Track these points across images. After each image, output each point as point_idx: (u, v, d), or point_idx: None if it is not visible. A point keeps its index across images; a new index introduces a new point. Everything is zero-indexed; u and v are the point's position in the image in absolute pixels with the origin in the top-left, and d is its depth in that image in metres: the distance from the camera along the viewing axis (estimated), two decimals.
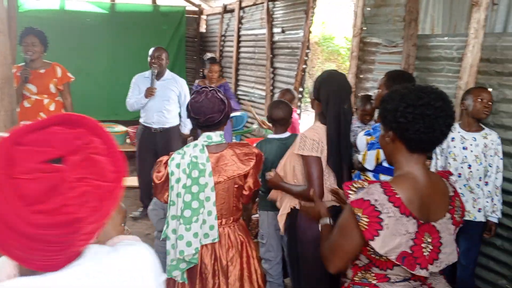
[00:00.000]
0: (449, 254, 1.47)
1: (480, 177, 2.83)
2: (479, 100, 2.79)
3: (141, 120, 4.46)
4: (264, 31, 6.08)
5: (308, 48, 5.24)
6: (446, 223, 1.47)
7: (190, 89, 4.66)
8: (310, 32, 5.19)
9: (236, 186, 2.22)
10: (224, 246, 2.21)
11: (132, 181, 5.48)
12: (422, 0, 3.86)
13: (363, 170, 2.75)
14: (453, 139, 2.90)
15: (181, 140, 4.59)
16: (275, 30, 5.92)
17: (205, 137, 2.16)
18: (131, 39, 7.65)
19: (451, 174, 1.65)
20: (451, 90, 3.30)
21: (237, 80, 7.08)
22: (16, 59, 4.32)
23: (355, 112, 3.55)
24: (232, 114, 5.35)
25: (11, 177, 0.78)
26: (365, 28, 4.30)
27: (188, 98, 4.45)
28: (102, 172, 0.86)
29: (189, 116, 2.18)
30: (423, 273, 1.41)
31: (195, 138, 5.10)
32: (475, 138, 2.83)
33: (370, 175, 2.72)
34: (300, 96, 5.34)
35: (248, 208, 3.12)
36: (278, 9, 5.90)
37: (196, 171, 2.07)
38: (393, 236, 1.35)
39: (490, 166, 2.81)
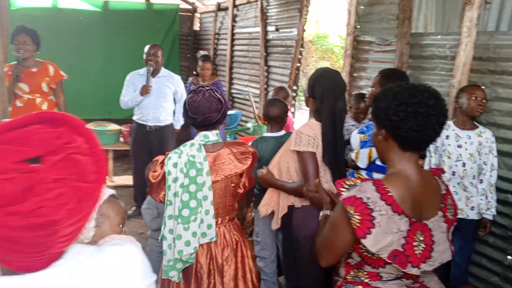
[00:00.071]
0: (442, 252, 1.47)
1: (474, 175, 2.84)
2: (473, 98, 2.80)
3: (135, 118, 4.43)
4: (258, 29, 6.07)
5: (302, 46, 5.24)
6: (438, 221, 1.47)
7: (184, 87, 4.65)
8: (304, 30, 5.19)
9: (232, 185, 2.22)
10: (220, 246, 2.21)
11: (125, 179, 5.47)
12: None
13: (357, 168, 2.76)
14: (447, 137, 2.91)
15: (176, 138, 4.58)
16: (269, 28, 5.92)
17: (201, 136, 2.16)
18: (124, 37, 7.61)
19: (443, 172, 1.65)
20: (444, 88, 3.32)
21: (231, 78, 7.07)
22: (8, 57, 4.27)
23: (349, 110, 3.56)
24: None
25: None
26: (359, 27, 4.30)
27: (184, 95, 4.45)
28: (82, 172, 0.84)
29: (186, 116, 2.17)
30: (414, 271, 1.41)
31: (188, 135, 5.11)
32: (469, 136, 2.84)
33: (363, 173, 2.73)
34: (294, 94, 5.34)
35: (242, 207, 3.11)
36: (272, 7, 5.89)
37: (193, 170, 2.07)
38: (385, 234, 1.35)
39: (485, 164, 2.82)
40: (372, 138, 1.58)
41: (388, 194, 1.37)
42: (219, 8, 7.46)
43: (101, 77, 7.69)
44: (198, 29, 8.68)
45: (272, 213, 2.61)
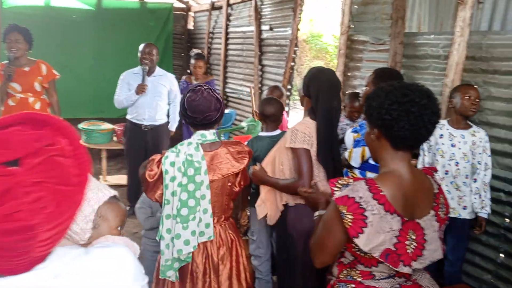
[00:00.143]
0: (433, 251, 1.48)
1: (467, 175, 2.86)
2: (467, 97, 2.81)
3: (129, 117, 4.40)
4: (252, 28, 6.07)
5: (296, 45, 5.24)
6: (431, 220, 1.48)
7: (178, 86, 4.64)
8: (298, 29, 5.19)
9: (229, 184, 2.23)
10: (216, 245, 2.22)
11: (119, 179, 5.45)
12: None
13: (350, 167, 2.77)
14: (441, 136, 2.92)
15: (170, 137, 4.57)
16: (263, 27, 5.91)
17: (199, 136, 2.16)
18: (117, 36, 7.58)
19: (436, 170, 1.66)
20: (438, 88, 3.33)
21: (225, 77, 7.06)
22: (0, 56, 4.25)
23: (343, 109, 3.57)
24: None
25: None
26: (353, 26, 4.31)
27: (178, 95, 4.44)
28: (64, 175, 0.83)
29: (184, 115, 2.16)
30: (406, 270, 1.41)
31: (181, 135, 5.09)
32: (463, 135, 2.86)
33: (357, 172, 2.74)
34: (288, 93, 5.35)
35: (237, 207, 3.11)
36: (266, 6, 5.89)
37: (191, 169, 2.07)
38: (377, 234, 1.35)
39: (479, 163, 2.84)
40: (365, 137, 1.58)
41: (381, 193, 1.37)
42: (213, 7, 7.45)
43: (95, 76, 7.65)
44: (192, 28, 8.66)
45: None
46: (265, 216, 2.65)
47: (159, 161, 2.09)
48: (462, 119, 2.88)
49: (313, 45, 13.76)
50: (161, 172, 2.07)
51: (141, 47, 4.26)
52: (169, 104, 4.52)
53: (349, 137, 2.85)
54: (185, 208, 2.07)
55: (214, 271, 2.21)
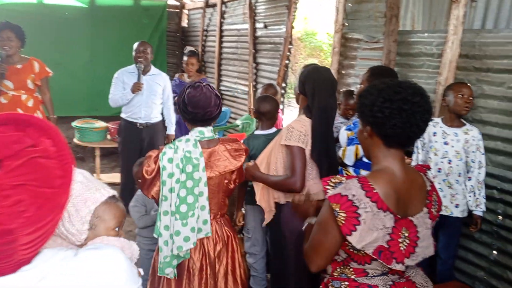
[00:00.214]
0: (425, 248, 1.48)
1: (460, 173, 2.86)
2: (460, 95, 2.81)
3: (124, 116, 4.37)
4: (247, 26, 6.06)
5: (290, 43, 5.24)
6: (423, 217, 1.48)
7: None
8: (292, 27, 5.19)
9: (226, 181, 2.24)
10: (212, 241, 2.23)
11: (112, 177, 5.43)
12: None
13: (345, 165, 2.78)
14: (434, 133, 2.93)
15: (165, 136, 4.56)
16: (258, 25, 5.91)
17: (197, 132, 2.16)
18: (111, 33, 7.54)
19: (429, 168, 1.67)
20: (431, 86, 3.35)
21: (219, 75, 7.04)
22: None
23: (338, 107, 3.57)
24: None
25: None
26: (347, 24, 4.32)
27: (170, 96, 4.43)
28: (46, 177, 0.81)
29: (184, 111, 2.15)
30: (399, 267, 1.42)
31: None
32: (456, 133, 2.87)
33: (351, 170, 2.75)
34: (283, 91, 5.35)
35: (231, 205, 3.11)
36: (260, 4, 5.88)
37: (190, 166, 2.07)
38: (370, 231, 1.36)
39: (472, 161, 2.84)
40: (358, 134, 1.59)
41: (373, 191, 1.38)
42: (207, 5, 7.43)
43: (88, 74, 7.62)
44: (186, 25, 8.63)
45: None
46: (261, 214, 2.66)
47: (157, 157, 2.09)
48: (456, 117, 2.88)
49: (308, 43, 13.77)
50: (159, 168, 2.06)
51: (135, 45, 4.23)
52: (161, 104, 4.51)
53: (343, 135, 2.85)
54: (184, 204, 2.07)
55: (211, 268, 2.21)
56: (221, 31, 6.93)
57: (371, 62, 3.86)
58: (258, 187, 2.57)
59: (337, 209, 1.37)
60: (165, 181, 2.06)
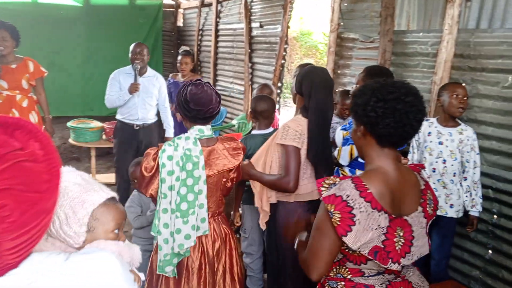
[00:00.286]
0: (420, 246, 1.49)
1: (455, 173, 2.86)
2: (454, 96, 2.81)
3: (119, 117, 4.33)
4: (242, 25, 6.05)
5: (286, 43, 5.24)
6: (418, 216, 1.49)
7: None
8: (288, 27, 5.19)
9: (224, 179, 2.25)
10: (211, 239, 2.23)
11: (108, 177, 5.41)
12: None
13: (341, 165, 2.78)
14: (429, 133, 2.94)
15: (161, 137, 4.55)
16: (253, 24, 5.90)
17: (196, 130, 2.17)
18: (106, 33, 7.52)
19: (423, 167, 1.67)
20: (427, 85, 3.36)
21: (215, 75, 7.03)
22: None
23: (334, 107, 3.57)
24: None
25: None
26: (342, 24, 4.32)
27: (166, 98, 4.42)
28: (32, 182, 0.80)
29: (186, 109, 2.15)
30: (395, 267, 1.42)
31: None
32: (451, 133, 2.87)
33: (347, 171, 2.75)
34: (278, 91, 5.35)
35: (228, 204, 3.11)
36: (256, 3, 5.87)
37: (190, 164, 2.07)
38: (365, 231, 1.36)
39: (467, 161, 2.84)
40: (351, 134, 1.59)
41: (367, 191, 1.38)
42: (203, 4, 7.42)
43: (83, 74, 7.59)
44: (181, 25, 8.61)
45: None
46: (258, 214, 2.66)
47: (156, 155, 2.08)
48: (450, 117, 2.88)
49: (303, 43, 13.77)
50: (158, 166, 2.06)
51: (131, 47, 4.21)
52: (157, 105, 4.49)
53: (339, 135, 2.85)
54: (184, 202, 2.08)
55: (210, 266, 2.22)
56: (216, 30, 6.92)
57: (366, 62, 3.86)
58: (256, 190, 2.58)
59: (332, 210, 1.37)
60: (164, 178, 2.06)
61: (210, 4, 7.14)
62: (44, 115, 4.25)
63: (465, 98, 2.82)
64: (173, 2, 8.46)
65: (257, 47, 5.88)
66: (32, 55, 4.17)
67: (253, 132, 3.06)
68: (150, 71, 4.35)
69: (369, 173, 1.46)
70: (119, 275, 1.00)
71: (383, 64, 3.60)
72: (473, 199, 2.85)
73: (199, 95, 2.12)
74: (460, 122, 2.91)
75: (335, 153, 2.75)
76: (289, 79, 10.62)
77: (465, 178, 2.87)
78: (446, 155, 2.86)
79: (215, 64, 7.02)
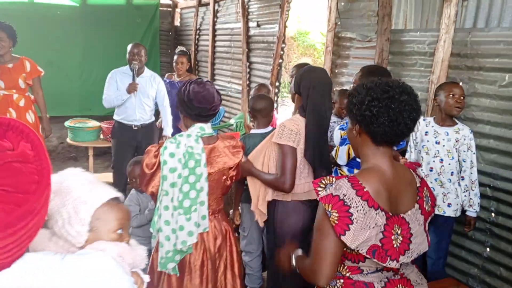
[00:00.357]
0: (419, 244, 1.50)
1: (452, 172, 2.86)
2: (451, 95, 2.80)
3: (118, 118, 4.32)
4: (240, 25, 6.05)
5: (284, 42, 5.24)
6: (415, 213, 1.50)
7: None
8: (285, 26, 5.19)
9: (224, 177, 2.27)
10: (212, 236, 2.25)
11: (106, 177, 5.40)
12: None
13: (339, 165, 2.78)
14: (426, 133, 2.94)
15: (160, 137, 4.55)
16: (251, 24, 5.90)
17: (198, 128, 2.17)
18: (103, 32, 7.50)
19: (419, 165, 1.68)
20: (424, 84, 3.37)
21: (213, 74, 7.03)
22: None
23: (332, 107, 3.57)
24: None
25: None
26: (339, 23, 4.33)
27: (166, 97, 4.41)
28: (20, 182, 0.80)
29: (189, 107, 2.16)
30: (393, 264, 1.43)
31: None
32: (447, 132, 2.87)
33: (345, 170, 2.75)
34: (276, 90, 5.35)
35: (227, 203, 3.12)
36: (253, 3, 5.88)
37: (192, 161, 2.09)
38: (363, 230, 1.36)
39: (464, 161, 2.84)
40: (347, 133, 1.61)
41: (364, 190, 1.38)
42: (200, 4, 7.41)
43: (80, 73, 7.58)
44: (179, 24, 8.60)
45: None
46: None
47: (157, 152, 2.09)
48: (447, 117, 2.87)
49: (301, 42, 13.78)
50: (159, 163, 2.07)
51: (129, 47, 4.20)
52: (156, 105, 4.49)
53: (337, 135, 2.86)
54: (187, 199, 2.10)
55: (212, 263, 2.24)
56: (214, 30, 6.92)
57: (364, 61, 3.87)
58: (251, 189, 2.58)
59: (329, 209, 1.37)
60: (166, 175, 2.07)
61: (207, 4, 7.14)
62: (41, 114, 4.24)
63: (462, 97, 2.82)
64: (170, 2, 8.45)
65: (255, 46, 5.88)
66: (29, 55, 4.16)
67: (252, 131, 3.06)
68: (147, 71, 4.35)
69: (365, 172, 1.48)
70: (114, 276, 0.99)
71: (381, 63, 3.61)
72: (470, 199, 2.85)
73: (202, 93, 2.14)
74: (457, 121, 2.92)
75: (333, 153, 2.75)
76: (286, 79, 10.62)
77: (463, 178, 2.87)
78: (443, 154, 2.86)
79: (213, 64, 7.02)
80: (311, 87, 2.39)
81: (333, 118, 3.55)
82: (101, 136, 5.41)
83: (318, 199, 1.44)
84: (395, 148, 2.77)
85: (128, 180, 3.04)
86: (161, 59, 8.27)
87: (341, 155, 2.70)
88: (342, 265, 1.52)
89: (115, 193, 1.22)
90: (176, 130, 4.68)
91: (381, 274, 1.49)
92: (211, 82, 2.25)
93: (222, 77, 6.81)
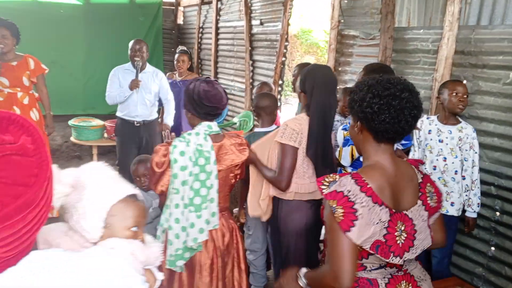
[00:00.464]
0: (423, 239, 1.50)
1: (456, 171, 2.84)
2: (454, 94, 2.78)
3: (120, 115, 4.34)
4: (243, 23, 6.05)
5: (286, 40, 5.24)
6: (419, 210, 1.50)
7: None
8: (288, 24, 5.18)
9: (232, 174, 2.30)
10: (220, 233, 2.27)
11: None
12: None
13: (342, 165, 2.78)
14: (430, 131, 2.93)
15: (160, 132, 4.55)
16: (254, 22, 5.90)
17: (205, 126, 2.19)
18: (106, 31, 7.51)
19: (422, 163, 1.68)
20: (428, 82, 3.36)
21: (216, 73, 7.03)
22: None
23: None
24: None
25: None
26: (343, 21, 4.32)
27: (170, 91, 4.42)
28: (19, 175, 0.80)
29: (199, 105, 2.17)
30: (397, 261, 1.43)
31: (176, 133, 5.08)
32: (450, 131, 2.86)
33: (349, 171, 2.75)
34: (279, 89, 5.35)
35: (232, 202, 3.13)
36: (256, 1, 5.87)
37: (202, 159, 2.11)
38: (367, 226, 1.37)
39: (465, 160, 2.83)
40: (349, 130, 1.62)
41: (367, 186, 1.39)
42: (203, 2, 7.41)
43: (84, 72, 7.60)
44: (182, 23, 8.60)
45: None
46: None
47: (166, 151, 2.10)
48: (451, 115, 2.86)
49: (304, 40, 13.75)
50: (169, 162, 2.08)
51: (130, 44, 4.21)
52: (159, 101, 4.50)
53: (340, 135, 2.85)
54: (198, 197, 2.12)
55: (221, 260, 2.26)
56: (217, 28, 6.92)
57: (367, 59, 3.86)
58: (252, 192, 2.60)
59: (334, 205, 1.38)
60: (176, 174, 2.08)
61: (210, 2, 7.14)
62: (45, 111, 4.25)
63: (465, 96, 2.80)
64: (173, 0, 8.46)
65: (258, 44, 5.87)
66: (33, 54, 4.17)
67: (256, 130, 3.06)
68: (149, 67, 4.36)
69: (367, 169, 1.48)
70: (121, 275, 0.99)
71: (384, 61, 3.60)
72: (469, 198, 2.83)
73: (212, 92, 2.17)
74: (460, 119, 2.90)
75: (336, 153, 2.75)
76: (290, 77, 10.60)
77: (464, 177, 2.85)
78: (447, 153, 2.85)
79: (216, 62, 7.02)
80: (315, 84, 2.39)
81: (337, 117, 3.54)
82: (105, 135, 5.42)
83: (322, 196, 1.44)
84: (401, 147, 2.77)
85: (133, 178, 3.05)
86: (164, 58, 8.28)
87: (345, 155, 2.70)
88: None
89: (132, 190, 1.21)
90: (177, 124, 4.70)
91: (384, 271, 1.50)
92: (217, 81, 2.27)
93: (225, 75, 6.81)
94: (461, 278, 3.12)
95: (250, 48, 5.96)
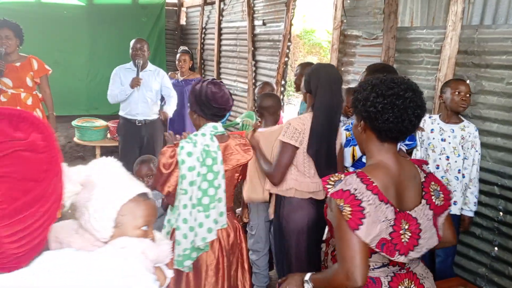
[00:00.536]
0: (429, 238, 1.50)
1: (459, 169, 2.84)
2: (457, 93, 2.79)
3: (122, 114, 4.37)
4: (245, 23, 6.05)
5: (289, 40, 5.23)
6: (423, 209, 1.50)
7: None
8: (291, 24, 5.18)
9: (237, 174, 2.32)
10: (226, 233, 2.28)
11: None
12: None
13: (346, 166, 2.77)
14: (432, 130, 2.93)
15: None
16: (256, 22, 5.90)
17: (211, 127, 2.21)
18: (109, 32, 7.53)
19: (426, 163, 1.68)
20: (431, 82, 3.35)
21: (219, 73, 7.04)
22: None
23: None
24: None
25: None
26: (345, 21, 4.31)
27: (172, 89, 4.44)
28: (28, 171, 0.81)
29: (207, 106, 2.19)
30: (402, 259, 1.43)
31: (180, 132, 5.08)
32: (453, 130, 2.86)
33: (351, 171, 2.75)
34: (282, 89, 5.35)
35: (235, 202, 3.14)
36: (258, 1, 5.87)
37: (209, 159, 2.13)
38: (374, 224, 1.37)
39: (466, 158, 2.83)
40: (353, 129, 1.63)
41: (373, 184, 1.40)
42: (206, 2, 7.41)
43: (87, 72, 7.61)
44: (184, 23, 8.61)
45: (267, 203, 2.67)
46: (266, 212, 2.69)
47: (173, 152, 2.10)
48: (453, 114, 2.87)
49: (307, 41, 13.74)
50: (176, 163, 2.09)
51: (132, 43, 4.25)
52: (161, 100, 4.52)
53: (342, 135, 2.84)
54: (206, 197, 2.14)
55: (227, 259, 2.27)
56: (219, 28, 6.92)
57: (370, 59, 3.86)
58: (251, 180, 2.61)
59: (342, 204, 1.38)
60: (184, 174, 2.08)
61: (213, 3, 7.14)
62: (48, 112, 4.27)
63: (468, 95, 2.80)
64: (176, 1, 8.47)
65: (260, 45, 5.87)
66: (36, 55, 4.19)
67: (259, 130, 3.06)
68: (150, 66, 4.39)
69: (371, 168, 1.49)
70: (131, 274, 0.99)
71: (387, 61, 3.60)
72: (466, 197, 2.83)
73: (220, 94, 2.19)
74: (463, 118, 2.90)
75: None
76: (292, 77, 10.59)
77: (464, 176, 2.85)
78: (449, 151, 2.85)
79: (219, 63, 7.02)
80: (319, 83, 2.39)
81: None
82: (108, 135, 5.44)
83: (329, 195, 1.44)
84: (405, 147, 2.76)
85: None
86: (167, 58, 8.28)
87: (346, 156, 2.69)
88: None
89: (142, 188, 1.21)
90: (180, 123, 4.71)
91: (387, 269, 1.50)
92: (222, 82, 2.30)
93: (228, 75, 6.81)
94: (464, 278, 3.11)
95: (252, 48, 5.96)
